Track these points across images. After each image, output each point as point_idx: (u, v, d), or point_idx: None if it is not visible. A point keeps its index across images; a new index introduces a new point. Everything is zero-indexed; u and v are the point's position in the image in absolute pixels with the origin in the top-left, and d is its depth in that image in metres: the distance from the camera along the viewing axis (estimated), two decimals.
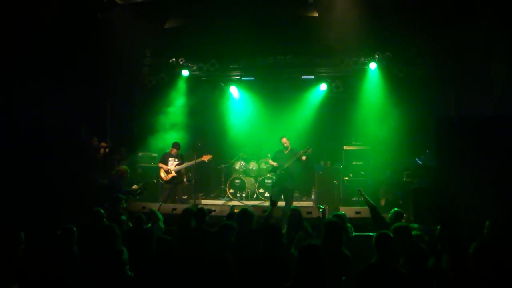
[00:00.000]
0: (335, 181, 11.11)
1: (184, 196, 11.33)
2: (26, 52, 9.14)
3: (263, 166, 12.66)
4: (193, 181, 11.79)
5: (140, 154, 11.83)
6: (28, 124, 8.95)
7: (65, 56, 9.61)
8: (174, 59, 11.88)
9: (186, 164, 10.53)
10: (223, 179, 12.91)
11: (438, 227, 4.82)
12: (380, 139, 10.78)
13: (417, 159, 10.30)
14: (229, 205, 10.40)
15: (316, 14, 10.22)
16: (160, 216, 6.04)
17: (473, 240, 2.91)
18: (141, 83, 12.28)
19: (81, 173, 9.07)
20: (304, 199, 12.37)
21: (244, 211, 5.85)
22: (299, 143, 10.65)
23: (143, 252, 5.00)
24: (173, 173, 10.26)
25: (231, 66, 12.26)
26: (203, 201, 11.96)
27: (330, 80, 12.31)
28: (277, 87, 12.66)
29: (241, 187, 12.32)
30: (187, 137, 11.71)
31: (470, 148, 7.37)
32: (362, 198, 6.82)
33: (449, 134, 7.83)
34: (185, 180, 10.83)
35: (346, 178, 11.10)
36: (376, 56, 11.19)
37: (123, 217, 6.76)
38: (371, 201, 6.55)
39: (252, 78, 12.66)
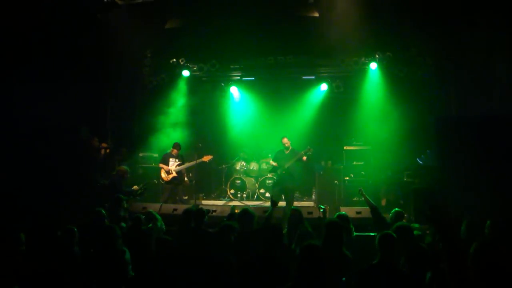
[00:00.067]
0: (335, 181, 11.09)
1: (185, 196, 11.34)
2: (27, 53, 9.14)
3: (264, 166, 12.67)
4: (194, 181, 11.80)
5: (140, 154, 11.84)
6: (28, 124, 8.96)
7: (66, 56, 9.61)
8: (174, 60, 11.88)
9: (186, 165, 10.53)
10: (223, 180, 12.92)
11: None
12: (381, 139, 10.78)
13: (417, 159, 10.31)
14: (230, 205, 10.40)
15: (317, 14, 10.23)
16: (158, 216, 6.04)
17: (473, 240, 2.90)
18: (141, 84, 12.29)
19: (81, 173, 9.09)
20: (305, 199, 12.38)
21: (245, 211, 5.86)
22: (300, 143, 10.64)
23: (142, 253, 5.01)
24: (174, 174, 10.27)
25: (231, 67, 12.27)
26: (204, 202, 11.96)
27: (330, 80, 12.31)
28: (277, 87, 12.66)
29: (242, 188, 12.33)
30: (187, 138, 11.70)
31: (470, 148, 7.38)
32: (363, 198, 6.81)
33: (449, 134, 7.84)
34: (186, 179, 10.81)
35: (347, 178, 11.11)
36: (377, 56, 11.19)
37: (123, 224, 6.73)
38: (372, 201, 6.54)
39: (253, 78, 12.66)
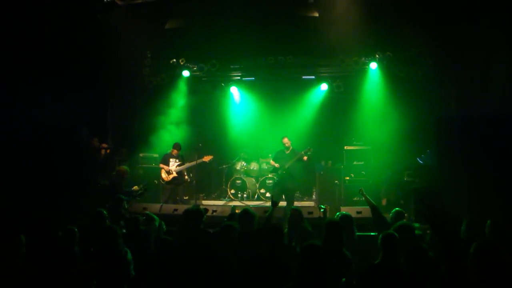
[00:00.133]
0: (336, 181, 11.09)
1: (185, 196, 11.34)
2: (27, 53, 9.15)
3: (264, 166, 12.68)
4: (194, 181, 11.80)
5: (141, 155, 11.83)
6: (28, 125, 8.97)
7: (66, 57, 9.61)
8: (174, 60, 11.87)
9: (187, 165, 10.54)
10: (224, 180, 12.91)
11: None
12: (381, 139, 10.78)
13: (418, 159, 10.31)
14: (230, 205, 10.41)
15: (317, 14, 10.21)
16: (155, 216, 6.04)
17: (473, 240, 2.91)
18: (141, 84, 12.28)
19: (82, 174, 9.10)
20: (305, 199, 12.38)
21: (246, 211, 5.86)
22: (300, 143, 10.66)
23: (141, 253, 5.01)
24: (174, 174, 10.27)
25: (231, 67, 12.27)
26: (204, 202, 11.97)
27: (330, 80, 12.30)
28: (277, 87, 12.67)
29: (242, 188, 12.33)
30: (188, 138, 11.70)
31: (471, 148, 7.39)
32: (363, 198, 6.80)
33: (450, 133, 7.86)
34: (186, 177, 10.79)
35: (347, 178, 11.10)
36: (377, 56, 11.18)
37: (122, 223, 6.73)
38: (372, 201, 6.53)
39: (253, 78, 12.65)
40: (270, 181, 11.84)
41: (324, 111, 12.66)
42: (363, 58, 11.38)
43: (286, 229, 6.08)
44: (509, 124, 7.45)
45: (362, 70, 11.63)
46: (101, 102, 11.46)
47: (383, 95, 11.21)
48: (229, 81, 12.91)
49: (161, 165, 10.43)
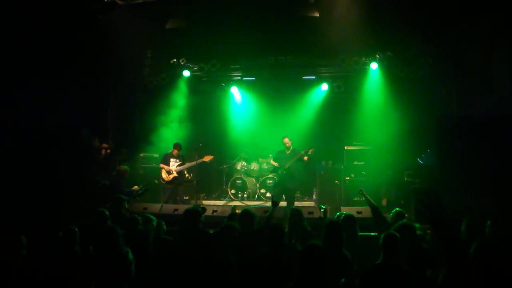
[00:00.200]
0: (336, 181, 11.10)
1: (186, 196, 11.35)
2: (27, 53, 9.16)
3: (265, 166, 12.69)
4: (195, 181, 11.80)
5: (141, 154, 11.84)
6: (29, 125, 8.98)
7: (66, 57, 9.62)
8: (175, 60, 11.86)
9: (187, 165, 10.54)
10: (224, 180, 12.92)
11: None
12: (381, 139, 10.78)
13: (418, 159, 10.31)
14: (231, 205, 10.42)
15: (317, 14, 10.20)
16: (152, 216, 6.04)
17: (473, 240, 2.91)
18: (142, 84, 12.26)
19: (82, 174, 9.10)
20: (305, 199, 12.39)
21: (246, 211, 5.86)
22: (301, 143, 10.67)
23: (139, 253, 5.01)
24: (175, 174, 10.28)
25: (232, 67, 12.25)
26: (205, 202, 11.98)
27: (331, 80, 12.29)
28: (278, 87, 12.66)
29: (243, 188, 12.34)
30: (188, 138, 11.72)
31: (471, 148, 7.39)
32: (364, 198, 6.81)
33: (450, 133, 7.86)
34: (187, 175, 10.78)
35: (348, 178, 11.11)
36: (377, 56, 11.17)
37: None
38: (372, 201, 6.53)
39: (253, 78, 12.64)
40: (271, 181, 11.85)
41: (324, 111, 12.65)
42: (363, 58, 11.36)
43: (287, 229, 6.09)
44: (509, 124, 7.45)
45: (362, 70, 11.61)
46: (101, 102, 11.47)
47: (383, 95, 11.20)
48: (230, 81, 12.91)
49: (162, 165, 10.43)
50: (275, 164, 10.15)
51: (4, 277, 3.74)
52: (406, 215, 6.38)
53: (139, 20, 10.10)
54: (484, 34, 9.17)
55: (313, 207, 10.13)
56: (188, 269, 4.53)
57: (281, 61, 11.50)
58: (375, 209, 6.32)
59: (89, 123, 10.16)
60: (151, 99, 12.27)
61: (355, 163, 11.24)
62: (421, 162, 10.20)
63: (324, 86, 12.44)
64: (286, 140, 10.11)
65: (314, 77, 12.40)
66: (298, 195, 11.73)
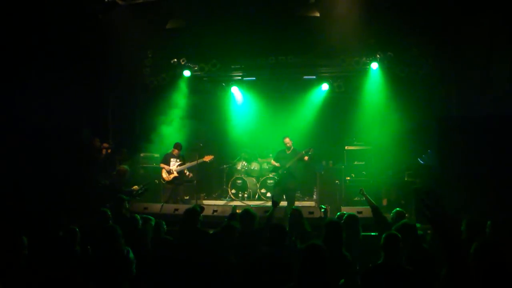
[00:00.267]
0: (337, 181, 11.09)
1: (186, 196, 11.35)
2: (28, 53, 9.17)
3: (265, 166, 12.69)
4: (195, 181, 11.81)
5: (142, 154, 11.85)
6: (29, 125, 8.99)
7: (66, 56, 9.63)
8: (175, 60, 11.85)
9: (188, 165, 10.54)
10: (225, 180, 12.93)
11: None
12: (382, 139, 10.79)
13: (418, 159, 10.30)
14: (231, 205, 10.43)
15: (318, 14, 10.20)
16: (150, 216, 6.04)
17: (473, 240, 2.91)
18: (142, 84, 12.27)
19: (83, 174, 9.11)
20: (306, 199, 12.40)
21: (246, 211, 5.87)
22: (301, 143, 10.68)
23: (138, 253, 5.02)
24: (175, 174, 10.28)
25: (232, 67, 12.25)
26: (205, 202, 11.99)
27: (331, 80, 12.30)
28: (278, 87, 12.67)
29: (243, 188, 12.35)
30: (188, 138, 11.71)
31: (471, 148, 7.39)
32: (364, 198, 6.81)
33: (451, 133, 7.86)
34: (187, 173, 10.78)
35: (348, 178, 11.10)
36: (378, 56, 11.16)
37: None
38: (373, 201, 6.54)
39: (254, 78, 12.65)
40: (271, 181, 11.85)
41: (325, 111, 12.66)
42: (364, 58, 11.36)
43: (287, 229, 6.09)
44: (509, 124, 7.45)
45: (363, 70, 11.61)
46: (102, 102, 11.48)
47: (384, 95, 11.20)
48: (230, 81, 12.92)
49: (162, 165, 10.44)
50: (276, 164, 10.15)
51: (6, 277, 3.74)
52: (406, 215, 6.38)
53: (139, 20, 10.11)
54: (484, 34, 9.16)
55: (314, 207, 10.14)
56: (188, 269, 4.53)
57: (281, 61, 11.50)
58: (375, 209, 6.33)
59: (90, 123, 10.19)
60: (151, 99, 12.28)
61: (355, 163, 11.25)
62: (422, 162, 10.20)
63: (325, 86, 12.45)
64: (287, 140, 10.12)
65: (314, 77, 12.40)
66: (298, 195, 11.74)
